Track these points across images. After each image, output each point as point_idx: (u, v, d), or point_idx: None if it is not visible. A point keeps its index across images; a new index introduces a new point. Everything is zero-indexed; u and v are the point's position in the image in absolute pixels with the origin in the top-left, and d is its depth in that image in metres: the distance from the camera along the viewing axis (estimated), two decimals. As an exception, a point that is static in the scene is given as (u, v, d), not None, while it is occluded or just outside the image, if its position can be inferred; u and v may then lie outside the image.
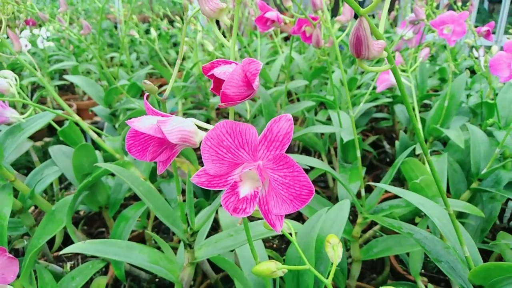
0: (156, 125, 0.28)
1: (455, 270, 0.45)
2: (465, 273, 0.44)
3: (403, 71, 0.91)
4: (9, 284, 0.35)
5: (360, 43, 0.29)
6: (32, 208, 1.05)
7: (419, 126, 0.76)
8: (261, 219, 0.37)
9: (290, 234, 0.39)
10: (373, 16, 2.02)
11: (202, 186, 0.27)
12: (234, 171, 0.27)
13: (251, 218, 0.87)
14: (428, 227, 0.72)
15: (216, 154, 0.26)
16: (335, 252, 0.38)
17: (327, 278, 0.38)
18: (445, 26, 0.78)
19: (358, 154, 0.59)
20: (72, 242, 0.96)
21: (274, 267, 0.36)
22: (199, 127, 0.31)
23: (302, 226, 0.47)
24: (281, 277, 0.56)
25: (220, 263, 0.53)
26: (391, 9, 1.57)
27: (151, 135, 0.29)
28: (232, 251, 0.68)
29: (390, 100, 1.20)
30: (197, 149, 0.28)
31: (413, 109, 0.71)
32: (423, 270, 0.84)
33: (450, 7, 1.13)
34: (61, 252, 0.43)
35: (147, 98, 0.33)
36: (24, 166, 1.34)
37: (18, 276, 0.61)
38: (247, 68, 0.23)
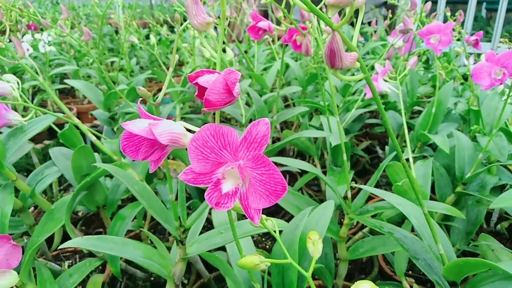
0: (148, 128, 0.31)
1: (431, 267, 0.48)
2: (440, 269, 0.46)
3: (395, 78, 0.94)
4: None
5: (333, 55, 0.32)
6: (32, 208, 1.08)
7: (406, 131, 0.79)
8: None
9: (275, 231, 0.42)
10: (369, 24, 2.06)
11: (189, 183, 0.30)
12: (218, 169, 0.30)
13: (244, 218, 0.90)
14: (413, 230, 0.74)
15: (201, 154, 0.29)
16: (315, 247, 0.40)
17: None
18: (431, 36, 0.81)
19: (345, 157, 0.62)
20: (71, 242, 0.99)
21: (257, 260, 0.39)
22: (188, 130, 0.34)
23: (287, 224, 0.50)
24: (269, 274, 0.59)
25: (212, 261, 0.56)
26: (385, 17, 1.60)
27: (144, 137, 0.32)
28: (224, 250, 0.70)
29: (383, 106, 1.23)
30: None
31: (397, 115, 0.73)
32: (410, 272, 0.86)
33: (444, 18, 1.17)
34: (60, 247, 0.46)
35: (142, 103, 0.36)
36: (24, 168, 1.37)
37: (18, 272, 0.64)
38: (227, 77, 0.26)
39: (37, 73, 0.77)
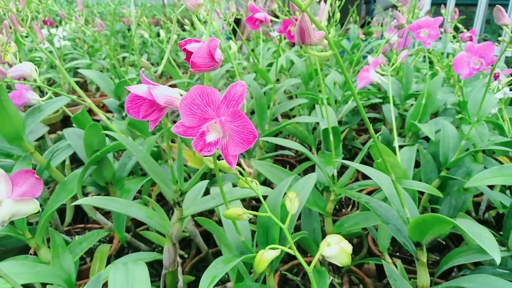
0: (148, 90, 0.37)
1: (400, 231, 0.54)
2: (407, 233, 0.52)
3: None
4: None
5: (303, 32, 0.37)
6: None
7: (393, 119, 0.84)
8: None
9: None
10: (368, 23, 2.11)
11: (179, 135, 0.36)
12: (203, 124, 0.36)
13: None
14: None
15: (190, 110, 0.35)
16: (291, 203, 0.46)
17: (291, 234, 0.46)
18: (421, 30, 0.87)
19: (331, 138, 0.68)
20: (81, 220, 1.07)
21: (240, 212, 0.45)
22: (181, 95, 0.40)
23: (272, 191, 0.55)
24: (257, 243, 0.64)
25: (207, 226, 0.62)
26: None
27: (144, 98, 0.38)
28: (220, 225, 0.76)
29: (380, 100, 1.29)
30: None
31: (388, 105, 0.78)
32: (398, 253, 0.91)
33: (437, 14, 1.22)
34: (74, 203, 0.52)
35: (143, 73, 0.42)
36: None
37: (33, 236, 0.71)
38: (210, 44, 0.32)
39: (53, 66, 0.84)
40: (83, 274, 0.81)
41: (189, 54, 0.33)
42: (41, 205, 0.92)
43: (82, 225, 1.01)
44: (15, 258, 0.73)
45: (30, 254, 0.84)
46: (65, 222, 1.03)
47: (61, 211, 1.05)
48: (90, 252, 0.91)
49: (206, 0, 0.45)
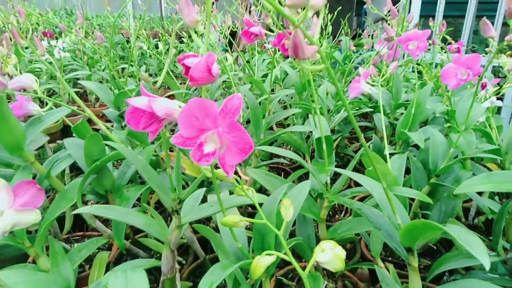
0: (148, 103, 0.39)
1: (392, 237, 0.56)
2: (398, 238, 0.54)
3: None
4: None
5: (296, 48, 0.40)
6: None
7: (384, 128, 0.87)
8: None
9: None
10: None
11: (178, 146, 0.38)
12: (201, 135, 0.38)
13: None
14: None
15: (188, 122, 0.37)
16: (287, 211, 0.48)
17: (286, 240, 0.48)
18: (410, 42, 0.90)
19: (324, 146, 0.70)
20: (80, 228, 1.08)
21: (237, 219, 0.47)
22: (180, 107, 0.42)
23: (267, 198, 0.57)
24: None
25: (204, 232, 0.64)
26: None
27: (144, 110, 0.40)
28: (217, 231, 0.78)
29: (371, 110, 1.32)
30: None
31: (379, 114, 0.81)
32: (390, 258, 0.93)
33: (426, 26, 1.25)
34: (73, 212, 0.54)
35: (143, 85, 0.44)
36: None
37: (32, 245, 0.73)
38: (207, 59, 0.34)
39: (53, 77, 0.86)
40: (82, 281, 0.82)
41: (187, 68, 0.35)
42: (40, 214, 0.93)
43: (81, 233, 1.02)
44: (14, 267, 0.74)
45: (29, 262, 0.85)
46: (64, 230, 1.04)
47: (60, 219, 1.07)
48: (89, 260, 0.92)
49: (203, 15, 0.48)
